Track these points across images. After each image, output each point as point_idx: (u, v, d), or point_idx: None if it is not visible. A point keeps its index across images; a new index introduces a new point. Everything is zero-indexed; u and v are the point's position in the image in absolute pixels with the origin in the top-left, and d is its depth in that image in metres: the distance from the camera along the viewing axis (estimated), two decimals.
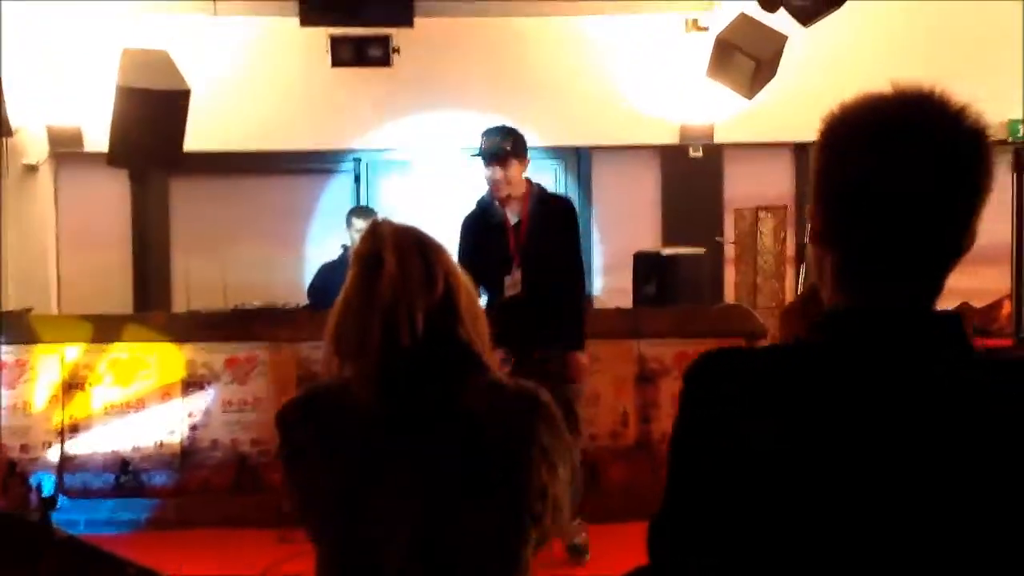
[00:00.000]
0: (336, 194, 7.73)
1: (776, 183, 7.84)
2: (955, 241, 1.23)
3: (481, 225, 4.91)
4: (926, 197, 1.21)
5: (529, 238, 4.86)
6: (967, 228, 1.23)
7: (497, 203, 4.86)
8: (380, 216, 2.03)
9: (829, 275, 1.27)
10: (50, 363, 5.12)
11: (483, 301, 5.45)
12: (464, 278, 1.92)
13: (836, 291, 1.27)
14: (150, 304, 7.41)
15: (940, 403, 1.18)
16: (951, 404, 1.18)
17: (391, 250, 1.86)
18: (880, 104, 1.25)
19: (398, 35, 6.84)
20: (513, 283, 4.84)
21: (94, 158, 6.87)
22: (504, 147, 4.77)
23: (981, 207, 1.23)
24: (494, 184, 4.79)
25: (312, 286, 6.47)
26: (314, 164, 7.79)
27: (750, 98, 6.47)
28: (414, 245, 1.89)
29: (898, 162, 1.21)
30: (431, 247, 1.91)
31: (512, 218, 4.89)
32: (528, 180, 4.91)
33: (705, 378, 1.27)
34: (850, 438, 1.17)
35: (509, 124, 4.95)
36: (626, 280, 6.55)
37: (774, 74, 6.40)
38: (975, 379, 1.20)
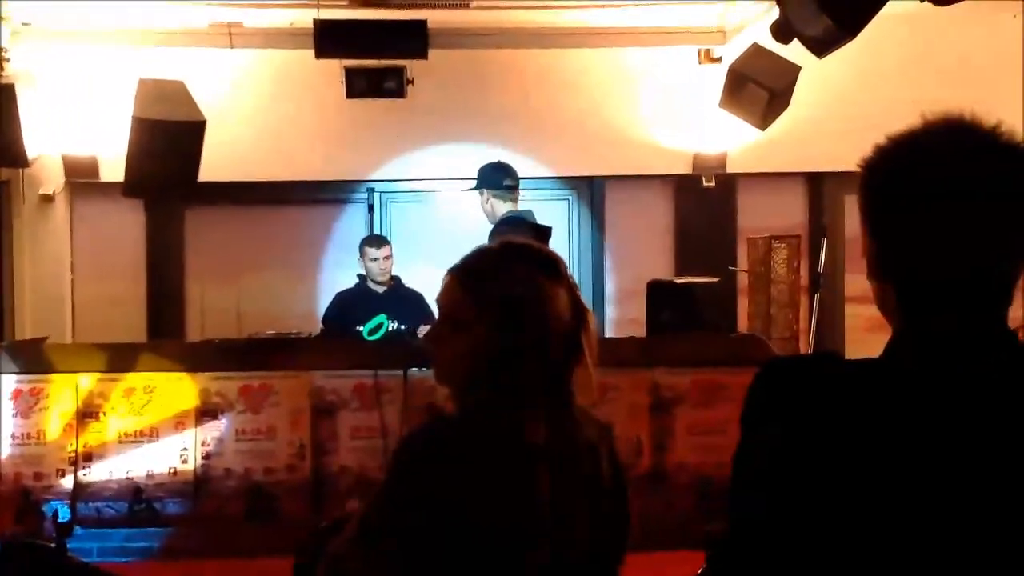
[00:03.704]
0: (350, 224, 7.75)
1: (789, 212, 7.85)
2: (1013, 256, 1.25)
3: None
4: (979, 219, 1.22)
5: None
6: (1021, 242, 1.25)
7: None
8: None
9: (892, 306, 1.29)
10: (65, 392, 5.13)
11: None
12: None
13: (901, 320, 1.28)
14: (164, 332, 7.43)
15: (1005, 424, 1.19)
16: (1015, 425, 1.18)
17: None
18: (916, 137, 1.27)
19: (413, 67, 6.88)
20: None
21: (109, 187, 6.91)
22: None
23: None
24: None
25: (328, 314, 6.47)
26: (328, 194, 7.82)
27: (763, 129, 6.48)
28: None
29: (944, 189, 1.23)
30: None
31: None
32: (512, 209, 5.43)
33: (780, 392, 1.28)
34: (928, 458, 1.18)
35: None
36: (639, 310, 6.54)
37: (787, 105, 6.41)
38: None
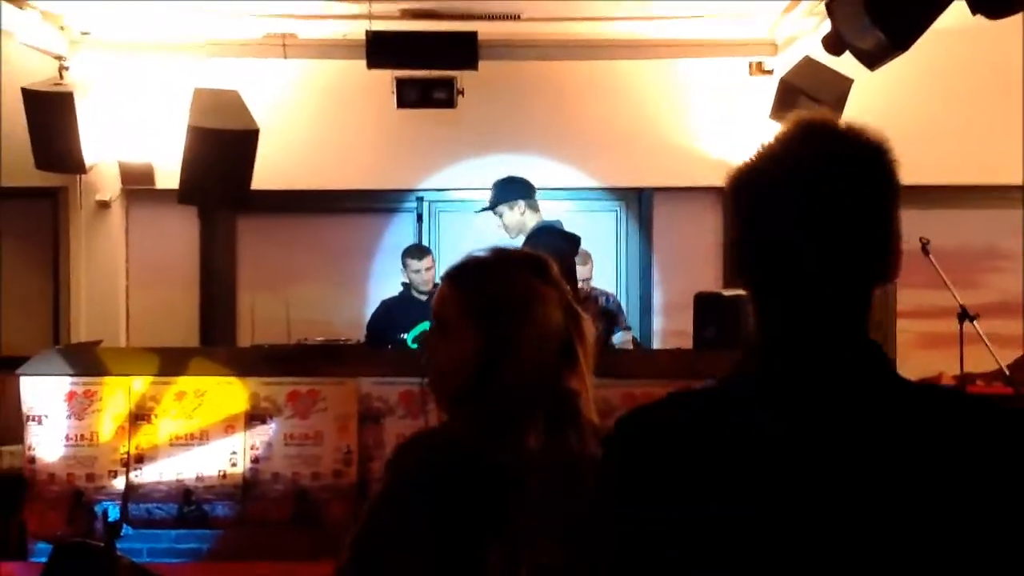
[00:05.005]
0: (399, 233, 7.81)
1: None
2: (867, 267, 1.22)
3: None
4: (825, 227, 1.20)
5: None
6: (877, 252, 1.22)
7: None
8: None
9: (752, 312, 1.28)
10: (118, 394, 5.22)
11: None
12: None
13: (759, 327, 1.28)
14: (216, 338, 7.53)
15: (865, 433, 1.16)
16: (878, 434, 1.16)
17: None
18: (774, 144, 1.26)
19: (463, 77, 6.94)
20: None
21: (164, 194, 7.03)
22: (489, 201, 5.64)
23: (889, 228, 1.22)
24: None
25: (372, 322, 6.52)
26: (378, 203, 7.88)
27: None
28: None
29: (793, 197, 1.21)
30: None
31: None
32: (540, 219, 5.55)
33: (627, 446, 1.27)
34: (782, 477, 1.16)
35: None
36: (686, 322, 6.51)
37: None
38: (898, 407, 1.18)
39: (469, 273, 1.86)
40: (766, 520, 1.15)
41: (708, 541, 1.16)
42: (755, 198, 1.25)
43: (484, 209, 5.70)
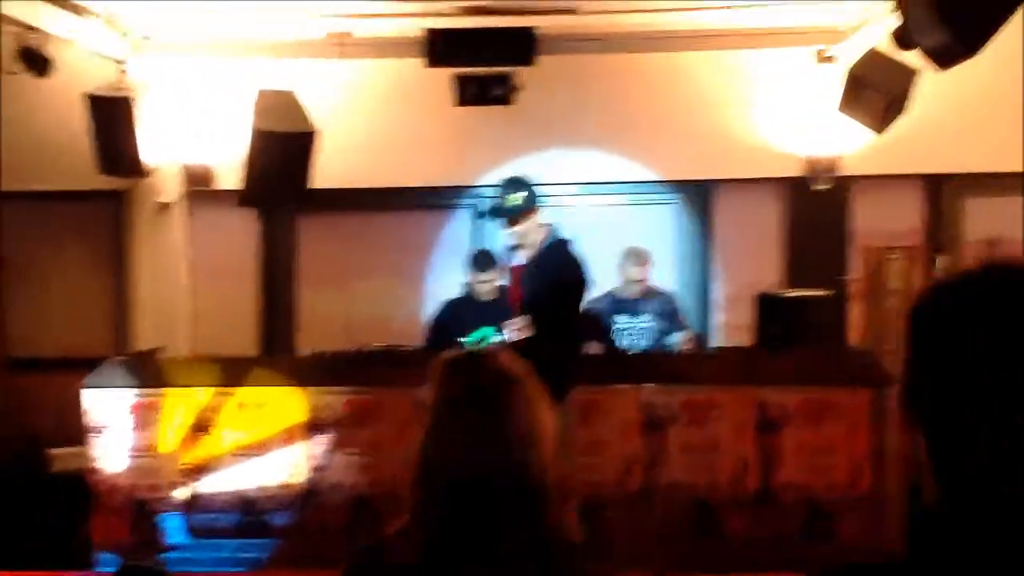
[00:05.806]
0: (458, 230, 7.79)
1: (906, 217, 7.59)
2: None
3: None
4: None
5: (523, 284, 5.23)
6: None
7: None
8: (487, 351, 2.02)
9: (927, 462, 1.18)
10: (180, 406, 5.28)
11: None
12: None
13: (937, 482, 1.17)
14: (277, 339, 7.58)
15: None
16: None
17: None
18: (967, 281, 1.19)
19: (520, 72, 6.86)
20: (511, 326, 5.08)
21: (225, 195, 7.07)
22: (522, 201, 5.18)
23: None
24: None
25: (434, 322, 6.47)
26: (437, 200, 7.86)
27: (880, 133, 6.29)
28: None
29: (991, 340, 1.14)
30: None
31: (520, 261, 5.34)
32: (548, 226, 5.24)
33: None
34: None
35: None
36: (746, 317, 6.42)
37: (906, 108, 6.19)
38: None
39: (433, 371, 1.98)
40: None
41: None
42: (947, 336, 1.18)
43: (506, 209, 5.16)
